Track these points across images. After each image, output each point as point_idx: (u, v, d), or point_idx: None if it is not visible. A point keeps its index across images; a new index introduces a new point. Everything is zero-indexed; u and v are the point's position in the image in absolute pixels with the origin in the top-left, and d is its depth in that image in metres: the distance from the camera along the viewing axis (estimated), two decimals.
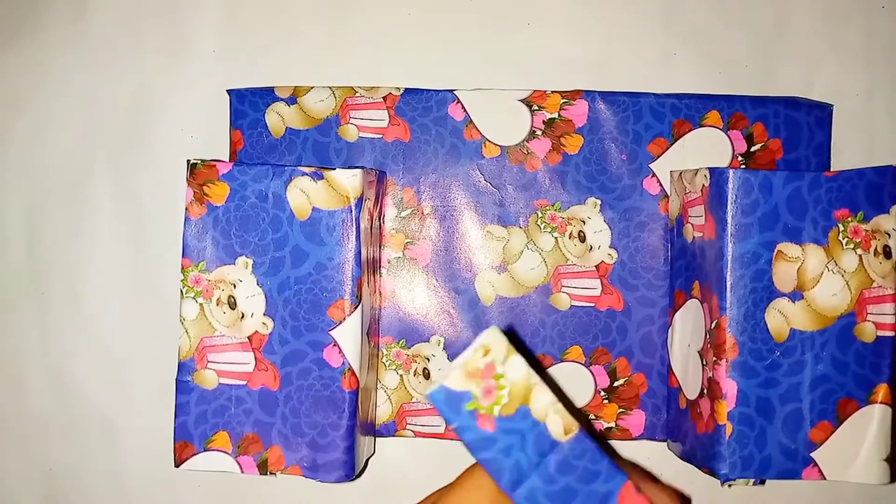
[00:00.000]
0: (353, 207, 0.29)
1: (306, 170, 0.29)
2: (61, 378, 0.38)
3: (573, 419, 0.24)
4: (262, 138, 0.36)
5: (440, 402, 0.23)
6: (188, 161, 0.30)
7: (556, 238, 0.37)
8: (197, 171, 0.29)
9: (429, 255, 0.37)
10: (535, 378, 0.23)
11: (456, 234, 0.37)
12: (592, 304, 0.37)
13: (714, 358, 0.31)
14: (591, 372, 0.37)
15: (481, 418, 0.23)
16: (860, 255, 0.31)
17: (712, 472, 0.31)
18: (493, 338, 0.24)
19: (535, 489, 0.24)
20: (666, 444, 0.37)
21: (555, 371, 0.37)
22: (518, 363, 0.23)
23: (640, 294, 0.37)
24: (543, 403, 0.23)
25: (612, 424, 0.36)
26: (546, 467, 0.24)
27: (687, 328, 0.34)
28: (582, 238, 0.37)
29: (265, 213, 0.29)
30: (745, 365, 0.31)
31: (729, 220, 0.31)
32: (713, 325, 0.31)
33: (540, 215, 0.37)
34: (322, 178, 0.29)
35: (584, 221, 0.37)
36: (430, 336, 0.37)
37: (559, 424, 0.24)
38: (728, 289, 0.31)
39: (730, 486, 0.31)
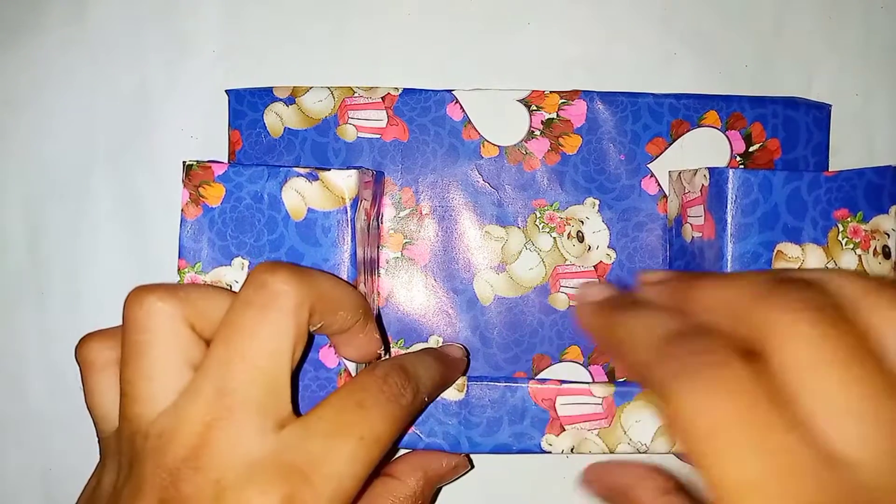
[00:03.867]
0: (349, 208, 0.29)
1: (301, 171, 0.29)
2: (61, 378, 0.38)
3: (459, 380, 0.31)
4: (261, 138, 0.36)
5: None
6: (183, 162, 0.30)
7: (554, 238, 0.37)
8: (192, 173, 0.29)
9: (427, 256, 0.37)
10: None
11: (454, 234, 0.37)
12: None
13: None
14: (589, 372, 0.36)
15: None
16: (859, 255, 0.31)
17: None
18: None
19: (470, 438, 0.31)
20: None
21: (554, 371, 0.37)
22: None
23: None
24: None
25: None
26: (466, 420, 0.31)
27: None
28: (580, 238, 0.37)
29: (261, 214, 0.29)
30: None
31: (728, 220, 0.31)
32: None
33: (538, 215, 0.37)
34: (317, 178, 0.29)
35: (582, 221, 0.37)
36: (429, 336, 0.37)
37: (453, 390, 0.30)
38: None
39: None
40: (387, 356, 0.32)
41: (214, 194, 0.29)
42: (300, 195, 0.29)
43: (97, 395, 0.25)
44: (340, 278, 0.29)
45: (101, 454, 0.25)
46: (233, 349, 0.22)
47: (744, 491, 0.15)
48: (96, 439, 0.26)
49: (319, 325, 0.25)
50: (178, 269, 0.30)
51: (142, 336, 0.23)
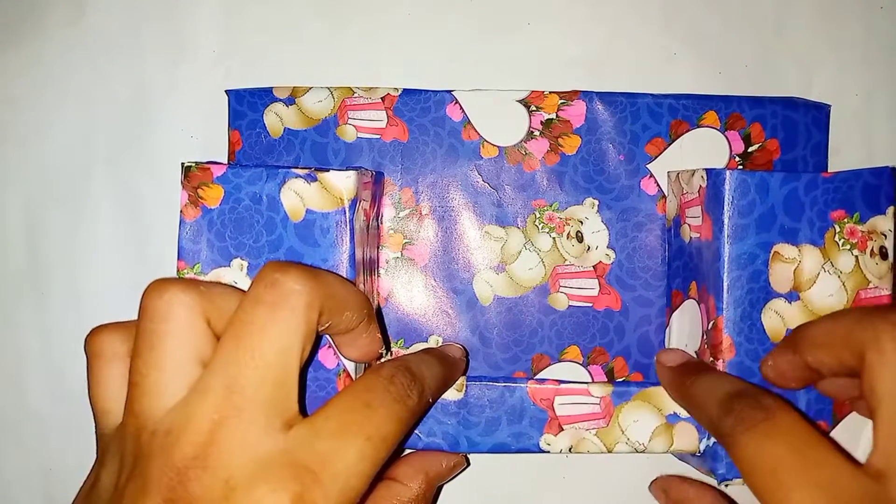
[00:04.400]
0: (347, 209, 0.29)
1: (300, 172, 0.29)
2: (61, 378, 0.38)
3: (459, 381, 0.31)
4: (261, 139, 0.37)
5: None
6: (182, 164, 0.30)
7: (553, 238, 0.37)
8: (191, 174, 0.30)
9: (427, 256, 0.37)
10: None
11: (454, 234, 0.37)
12: (590, 305, 0.37)
13: (711, 358, 0.31)
14: (588, 372, 0.37)
15: None
16: (856, 256, 0.31)
17: (710, 473, 0.31)
18: None
19: (469, 438, 0.31)
20: None
21: (553, 371, 0.37)
22: None
23: (638, 294, 0.37)
24: None
25: None
26: (465, 419, 0.31)
27: (684, 329, 0.34)
28: (580, 238, 0.37)
29: (259, 215, 0.29)
30: (742, 365, 0.31)
31: (726, 221, 0.31)
32: (710, 325, 0.31)
33: (538, 215, 0.37)
34: (316, 179, 0.29)
35: (581, 222, 0.37)
36: (429, 336, 0.37)
37: (451, 390, 0.31)
38: (725, 289, 0.31)
39: (727, 486, 0.31)
40: (388, 356, 0.32)
41: (213, 196, 0.30)
42: (299, 196, 0.29)
43: (101, 387, 0.25)
44: (346, 279, 0.29)
45: (99, 451, 0.25)
46: (243, 346, 0.22)
47: None
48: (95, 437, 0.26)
49: (327, 325, 0.25)
50: (178, 271, 0.30)
51: (160, 325, 0.23)
